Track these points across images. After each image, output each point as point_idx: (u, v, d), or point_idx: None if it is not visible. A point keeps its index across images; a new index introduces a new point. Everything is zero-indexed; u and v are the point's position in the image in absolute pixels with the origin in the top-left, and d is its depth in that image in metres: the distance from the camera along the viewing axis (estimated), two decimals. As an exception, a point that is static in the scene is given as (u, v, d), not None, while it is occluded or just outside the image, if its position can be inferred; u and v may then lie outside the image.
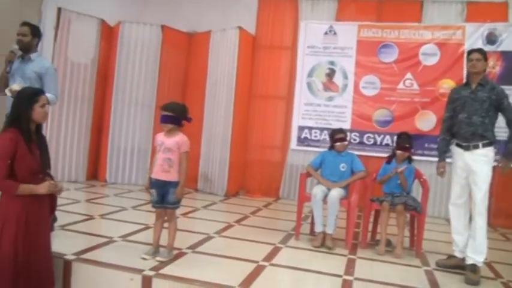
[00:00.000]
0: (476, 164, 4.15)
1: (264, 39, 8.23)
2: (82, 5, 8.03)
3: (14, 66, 4.46)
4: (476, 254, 4.08)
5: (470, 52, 4.41)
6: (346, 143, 5.12)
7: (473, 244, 4.11)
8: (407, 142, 4.97)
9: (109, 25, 8.13)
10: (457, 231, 4.35)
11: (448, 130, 4.49)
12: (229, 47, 7.71)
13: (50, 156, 3.26)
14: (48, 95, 3.73)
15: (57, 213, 4.19)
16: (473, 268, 4.05)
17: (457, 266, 4.29)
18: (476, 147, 4.18)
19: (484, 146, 4.16)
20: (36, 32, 4.57)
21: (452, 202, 4.40)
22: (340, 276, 3.84)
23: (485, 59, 4.31)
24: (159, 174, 3.84)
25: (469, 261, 4.11)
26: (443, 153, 4.54)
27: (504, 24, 7.23)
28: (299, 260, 4.35)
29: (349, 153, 5.16)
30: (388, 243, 4.84)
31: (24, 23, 4.55)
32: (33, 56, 4.52)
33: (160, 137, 3.91)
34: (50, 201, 3.21)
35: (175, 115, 3.81)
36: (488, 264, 4.51)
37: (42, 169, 3.10)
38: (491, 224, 4.48)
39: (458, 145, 4.33)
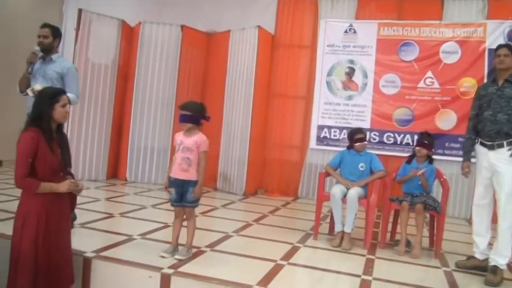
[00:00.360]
0: (500, 163, 4.03)
1: (283, 38, 8.23)
2: (102, 6, 8.15)
3: (36, 67, 4.54)
4: (499, 256, 3.99)
5: (498, 48, 4.28)
6: (365, 143, 5.09)
7: (497, 246, 4.02)
8: (427, 140, 4.91)
9: (129, 25, 8.21)
10: (479, 233, 4.25)
11: (473, 129, 4.35)
12: (248, 46, 7.71)
13: (71, 155, 3.29)
14: (69, 94, 3.82)
15: (77, 211, 4.25)
16: (494, 269, 3.98)
17: (476, 267, 4.22)
18: (500, 146, 4.05)
19: (509, 144, 4.01)
20: (56, 33, 4.65)
21: (476, 203, 4.29)
22: (358, 276, 3.82)
23: None
24: (178, 174, 3.86)
25: (491, 263, 4.04)
26: (468, 152, 4.42)
27: (526, 21, 7.11)
28: (317, 259, 4.36)
29: (368, 153, 5.12)
30: (408, 244, 4.79)
31: (45, 25, 4.63)
32: (54, 56, 4.60)
33: (180, 136, 3.93)
34: (70, 199, 3.24)
35: (194, 114, 3.82)
36: (508, 265, 4.43)
37: (63, 168, 3.14)
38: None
39: (482, 144, 4.21)
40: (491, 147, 4.11)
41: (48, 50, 4.57)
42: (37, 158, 2.94)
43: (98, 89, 7.80)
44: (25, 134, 2.96)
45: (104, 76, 7.86)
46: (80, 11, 7.66)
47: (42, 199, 2.98)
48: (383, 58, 7.68)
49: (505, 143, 4.03)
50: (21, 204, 3.03)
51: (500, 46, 4.30)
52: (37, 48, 4.51)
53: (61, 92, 3.17)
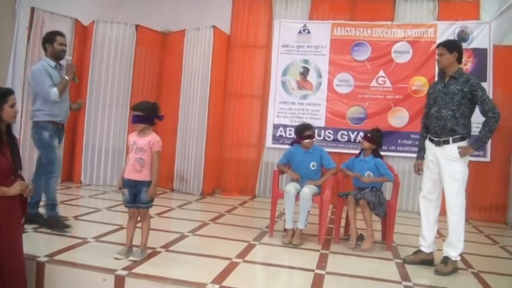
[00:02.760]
0: (445, 160, 4.14)
1: (238, 38, 8.26)
2: (56, 5, 7.94)
3: (54, 74, 4.70)
4: (451, 248, 4.13)
5: (436, 47, 4.42)
6: (314, 139, 5.15)
7: (449, 239, 4.16)
8: (372, 134, 5.05)
9: (83, 25, 8.06)
10: (426, 226, 4.36)
11: (425, 126, 4.47)
12: (204, 45, 7.72)
13: (21, 157, 3.23)
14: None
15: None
16: (445, 260, 4.13)
17: (424, 261, 4.33)
18: (446, 142, 4.15)
19: (455, 141, 4.12)
20: None
21: (423, 195, 4.39)
22: (312, 270, 3.90)
23: (452, 51, 4.21)
24: (131, 174, 3.84)
25: (443, 254, 4.17)
26: (420, 150, 4.53)
27: (475, 22, 7.38)
28: (272, 256, 4.43)
29: (317, 148, 5.16)
30: (360, 238, 4.92)
31: (63, 34, 4.87)
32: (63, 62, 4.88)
33: (133, 137, 3.92)
34: (21, 202, 3.18)
35: (146, 114, 3.82)
36: (462, 257, 4.57)
37: (13, 170, 3.08)
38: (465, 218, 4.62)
39: (430, 139, 4.33)
40: (437, 143, 4.23)
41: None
42: (-14, 161, 2.89)
43: (51, 89, 7.62)
44: (-27, 137, 2.90)
45: (56, 76, 7.69)
46: (32, 9, 7.47)
47: (-8, 201, 2.92)
48: (336, 58, 7.82)
49: (450, 139, 4.14)
50: None
51: (438, 45, 4.41)
52: (70, 58, 4.88)
53: (9, 91, 3.10)
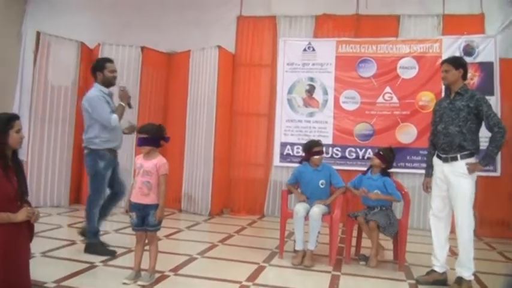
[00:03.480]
0: (454, 177, 4.09)
1: (243, 57, 8.29)
2: (61, 28, 8.06)
3: (109, 100, 4.84)
4: (463, 268, 4.06)
5: (442, 63, 4.40)
6: (323, 156, 5.10)
7: (460, 259, 4.08)
8: (384, 152, 5.01)
9: (89, 47, 8.13)
10: (438, 245, 4.28)
11: (432, 143, 4.43)
12: (209, 65, 7.74)
13: (27, 183, 3.21)
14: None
15: (39, 239, 4.16)
16: (459, 281, 4.05)
17: (437, 281, 4.24)
18: (454, 159, 4.11)
19: (463, 157, 4.07)
20: None
21: (433, 213, 4.32)
22: (324, 293, 3.83)
23: (457, 67, 4.20)
24: (138, 198, 3.82)
25: (456, 274, 4.10)
26: (428, 167, 4.47)
27: (481, 36, 7.35)
28: (283, 278, 4.35)
29: (326, 166, 5.13)
30: (365, 258, 4.89)
31: (112, 60, 5.03)
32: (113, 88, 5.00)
33: (140, 160, 3.90)
34: (28, 228, 3.15)
35: (152, 136, 3.81)
36: (477, 277, 4.48)
37: (20, 196, 3.05)
38: (476, 234, 4.51)
39: (438, 156, 4.28)
40: (445, 160, 4.18)
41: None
42: (-5, 187, 2.86)
43: (58, 112, 7.67)
44: (-21, 163, 2.88)
45: (64, 98, 7.74)
46: (38, 33, 7.56)
47: (0, 229, 2.88)
48: (342, 75, 7.80)
49: (458, 156, 4.10)
50: None
51: (443, 62, 4.40)
52: (124, 85, 5.01)
53: (15, 117, 3.09)
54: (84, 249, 4.75)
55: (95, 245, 4.74)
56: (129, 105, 4.92)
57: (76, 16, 8.77)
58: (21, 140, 3.06)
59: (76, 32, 8.13)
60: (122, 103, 4.81)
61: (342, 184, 5.03)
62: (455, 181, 4.09)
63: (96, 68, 4.90)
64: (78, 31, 8.27)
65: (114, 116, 4.67)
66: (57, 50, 7.69)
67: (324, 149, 5.25)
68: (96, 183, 4.78)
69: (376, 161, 4.97)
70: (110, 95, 4.91)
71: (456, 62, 4.27)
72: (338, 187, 5.02)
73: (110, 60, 4.97)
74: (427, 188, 4.47)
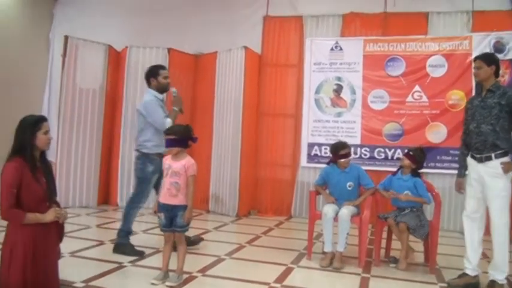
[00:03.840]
0: (489, 177, 3.98)
1: (270, 57, 8.26)
2: (89, 32, 8.17)
3: (162, 105, 4.96)
4: (497, 271, 3.95)
5: (473, 60, 4.30)
6: (350, 158, 5.00)
7: (494, 262, 3.98)
8: (415, 153, 4.90)
9: (116, 50, 8.21)
10: (471, 247, 4.15)
11: (465, 143, 4.31)
12: (236, 66, 7.74)
13: (55, 183, 3.23)
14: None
15: (67, 239, 4.18)
16: (492, 284, 3.95)
17: (469, 284, 4.11)
18: (488, 158, 3.99)
19: (497, 157, 3.95)
20: None
21: (467, 215, 4.20)
22: (353, 296, 3.76)
23: (490, 64, 4.09)
24: (166, 199, 3.82)
25: (489, 277, 3.99)
26: (461, 168, 4.35)
27: (511, 32, 7.16)
28: (311, 280, 4.30)
29: (354, 167, 5.04)
30: (394, 260, 4.81)
31: (165, 67, 5.17)
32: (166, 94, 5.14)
33: (168, 161, 3.90)
34: (58, 228, 3.17)
35: (179, 137, 3.80)
36: (509, 281, 4.36)
37: (48, 197, 3.07)
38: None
39: (472, 156, 4.16)
40: (479, 160, 4.07)
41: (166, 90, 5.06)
42: (22, 188, 2.89)
43: (87, 115, 7.77)
44: (8, 165, 2.90)
45: (92, 101, 7.84)
46: (66, 37, 7.67)
47: (29, 230, 2.91)
48: (370, 74, 7.71)
49: (493, 155, 3.98)
50: (7, 235, 2.96)
51: (475, 58, 4.29)
52: (176, 90, 5.01)
53: (42, 119, 3.11)
54: (113, 249, 4.79)
55: (124, 245, 4.79)
56: (181, 110, 4.99)
57: (103, 19, 8.87)
58: (49, 141, 3.08)
59: (103, 35, 8.23)
60: (175, 108, 4.90)
61: (372, 185, 4.95)
62: (490, 182, 3.97)
63: (150, 74, 5.02)
64: (106, 34, 8.37)
65: (168, 120, 4.75)
66: (85, 53, 7.79)
67: (352, 150, 5.14)
68: (142, 186, 4.88)
69: (406, 162, 4.86)
70: (163, 100, 5.04)
71: (488, 59, 4.16)
72: (368, 188, 4.93)
73: (163, 67, 5.12)
74: (460, 188, 4.35)
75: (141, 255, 4.71)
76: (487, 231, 4.12)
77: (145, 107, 4.86)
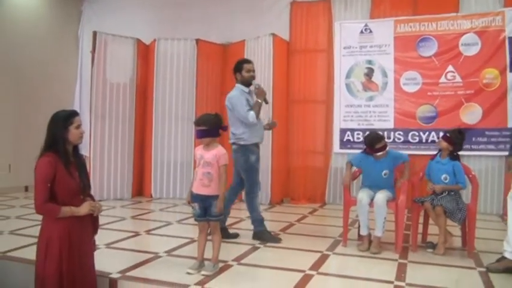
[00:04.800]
0: None
1: (298, 43, 8.17)
2: (117, 27, 8.27)
3: (249, 98, 5.08)
4: None
5: None
6: (387, 149, 4.79)
7: None
8: (452, 134, 4.75)
9: (144, 43, 8.26)
10: None
11: None
12: (264, 54, 7.68)
13: (89, 177, 3.26)
14: None
15: (103, 231, 4.26)
16: None
17: (508, 268, 3.96)
18: None
19: None
20: None
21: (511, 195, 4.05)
22: (391, 282, 3.68)
23: None
24: (199, 189, 3.81)
25: None
26: None
27: (545, 4, 6.89)
28: (348, 267, 4.24)
29: (388, 153, 4.85)
30: (431, 245, 4.71)
31: (250, 61, 5.29)
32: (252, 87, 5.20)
33: (199, 151, 3.89)
34: (93, 221, 3.20)
35: (210, 128, 3.78)
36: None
37: (82, 190, 3.10)
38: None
39: None
40: None
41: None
42: (56, 183, 2.92)
43: (118, 108, 7.86)
44: (42, 160, 2.93)
45: (123, 95, 7.92)
46: (94, 33, 7.75)
47: (64, 223, 2.95)
48: (402, 56, 7.54)
49: None
50: (42, 229, 3.01)
51: None
52: (257, 83, 5.11)
53: (74, 113, 3.12)
54: (252, 236, 5.07)
55: (262, 232, 5.06)
56: (265, 101, 5.10)
57: (130, 14, 8.97)
58: (81, 135, 3.10)
59: (131, 29, 8.30)
60: (258, 100, 5.00)
61: (406, 157, 4.88)
62: None
63: (235, 69, 5.20)
64: (133, 28, 8.44)
65: (252, 113, 4.90)
66: (113, 48, 7.86)
67: (385, 136, 4.99)
68: (251, 176, 5.07)
69: (444, 144, 4.73)
70: (251, 93, 5.16)
71: None
72: (403, 162, 4.83)
73: (247, 61, 5.25)
74: (509, 168, 4.22)
75: (278, 241, 4.97)
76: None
77: (230, 101, 5.05)
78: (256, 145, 5.12)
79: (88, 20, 9.38)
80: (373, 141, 4.79)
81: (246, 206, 5.17)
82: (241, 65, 5.16)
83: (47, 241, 2.95)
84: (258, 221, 5.11)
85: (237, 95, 5.05)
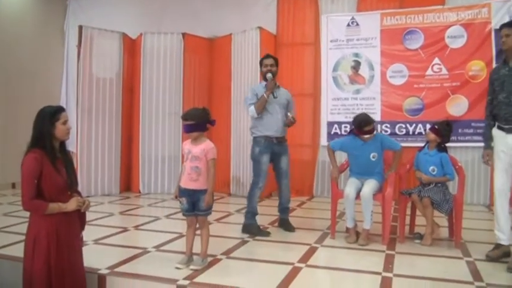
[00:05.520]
0: None
1: (285, 37, 8.17)
2: (103, 21, 8.20)
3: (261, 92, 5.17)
4: None
5: (500, 28, 4.17)
6: (374, 133, 4.82)
7: None
8: (440, 126, 4.80)
9: (131, 38, 8.20)
10: (504, 218, 4.09)
11: (491, 114, 4.24)
12: (251, 47, 7.67)
13: (76, 173, 3.24)
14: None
15: (91, 227, 4.24)
16: None
17: (506, 253, 4.08)
18: None
19: None
20: (277, 63, 5.38)
21: (497, 188, 4.14)
22: (379, 273, 3.72)
23: None
24: (187, 184, 3.80)
25: None
26: (488, 139, 4.27)
27: (532, -3, 6.94)
28: (336, 259, 4.28)
29: (376, 136, 4.85)
30: (418, 236, 4.77)
31: (268, 55, 5.41)
32: (278, 84, 5.28)
33: (187, 145, 3.87)
34: (79, 217, 3.19)
35: (197, 122, 3.76)
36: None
37: (69, 186, 3.09)
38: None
39: (499, 128, 4.10)
40: (509, 131, 4.01)
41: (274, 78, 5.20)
42: (42, 179, 2.91)
43: (105, 103, 7.81)
44: (28, 156, 2.92)
45: (109, 90, 7.87)
46: (80, 27, 7.67)
47: (51, 219, 2.94)
48: (388, 48, 7.57)
49: None
50: (30, 226, 2.99)
51: (502, 26, 4.17)
52: (270, 75, 5.15)
53: (61, 109, 3.10)
54: (241, 229, 5.16)
55: (251, 225, 5.13)
56: (273, 95, 5.12)
57: (116, 8, 8.91)
58: (68, 131, 3.08)
59: (117, 24, 8.25)
60: (265, 94, 5.09)
61: (399, 146, 4.83)
62: None
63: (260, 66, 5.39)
64: (120, 22, 8.39)
65: (251, 108, 5.14)
66: (100, 42, 7.80)
67: (375, 125, 4.99)
68: (254, 167, 5.31)
69: (432, 136, 4.77)
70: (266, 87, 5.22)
71: None
72: (395, 151, 4.83)
73: (266, 57, 5.37)
74: (488, 160, 4.28)
75: (266, 235, 5.00)
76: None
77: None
78: (266, 138, 5.16)
79: (74, 14, 9.28)
80: (362, 123, 4.77)
81: (247, 196, 5.34)
82: (261, 61, 5.36)
83: (34, 238, 2.94)
84: (250, 214, 5.17)
85: (252, 88, 5.34)
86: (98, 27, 7.84)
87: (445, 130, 4.79)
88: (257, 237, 4.92)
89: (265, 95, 5.07)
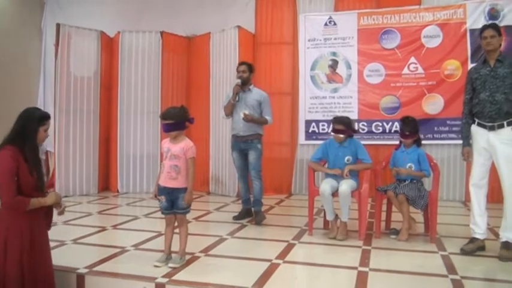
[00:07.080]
0: (502, 145, 4.07)
1: (264, 36, 8.18)
2: (81, 19, 8.13)
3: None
4: (510, 232, 4.05)
5: (483, 29, 4.28)
6: (342, 136, 4.84)
7: (506, 224, 4.08)
8: (409, 127, 4.89)
9: (108, 36, 8.15)
10: (479, 213, 4.22)
11: (469, 113, 4.35)
12: (230, 46, 7.69)
13: (44, 175, 3.24)
14: (267, 117, 5.68)
15: (69, 227, 4.21)
16: (507, 245, 4.05)
17: (481, 247, 4.23)
18: (501, 126, 4.08)
19: (509, 124, 4.05)
20: (251, 69, 5.71)
21: (474, 183, 4.26)
22: (355, 268, 3.78)
23: (500, 34, 4.17)
24: (166, 182, 3.81)
25: (502, 239, 4.10)
26: (467, 137, 4.39)
27: (505, -2, 7.09)
28: (313, 255, 4.34)
29: (353, 142, 4.93)
30: (395, 232, 4.86)
31: (243, 63, 5.80)
32: (251, 87, 5.68)
33: (166, 144, 3.88)
34: (47, 214, 3.17)
35: (176, 121, 3.77)
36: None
37: (40, 188, 3.07)
38: None
39: (480, 125, 4.22)
40: (491, 128, 4.13)
41: (245, 83, 5.62)
42: (19, 176, 2.89)
43: (82, 102, 7.74)
44: (3, 153, 2.88)
45: (87, 88, 7.80)
46: (58, 25, 7.59)
47: (24, 218, 2.94)
48: (365, 48, 7.66)
49: (505, 123, 4.07)
50: (0, 223, 2.95)
51: (485, 27, 4.28)
52: (239, 81, 5.55)
53: (48, 116, 3.13)
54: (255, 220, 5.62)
55: (241, 210, 5.86)
56: (236, 98, 5.57)
57: (94, 6, 8.82)
58: (45, 139, 3.13)
59: (95, 22, 8.19)
60: (231, 98, 5.60)
61: (369, 161, 4.89)
62: (503, 148, 4.06)
63: None
64: (98, 21, 8.33)
65: (222, 111, 5.82)
66: (77, 40, 7.73)
67: (352, 126, 5.04)
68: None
69: (409, 141, 4.88)
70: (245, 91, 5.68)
71: (498, 28, 4.24)
72: (366, 163, 4.90)
73: (240, 64, 5.81)
74: (468, 157, 4.38)
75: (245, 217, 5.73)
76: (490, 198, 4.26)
77: None
78: (233, 136, 5.74)
79: (51, 12, 9.15)
80: (334, 121, 4.97)
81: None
82: (237, 67, 5.76)
83: (5, 237, 2.90)
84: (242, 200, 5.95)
85: (227, 93, 5.98)
86: (76, 25, 7.77)
87: (413, 128, 4.89)
88: (236, 235, 4.97)
89: (231, 99, 5.57)
